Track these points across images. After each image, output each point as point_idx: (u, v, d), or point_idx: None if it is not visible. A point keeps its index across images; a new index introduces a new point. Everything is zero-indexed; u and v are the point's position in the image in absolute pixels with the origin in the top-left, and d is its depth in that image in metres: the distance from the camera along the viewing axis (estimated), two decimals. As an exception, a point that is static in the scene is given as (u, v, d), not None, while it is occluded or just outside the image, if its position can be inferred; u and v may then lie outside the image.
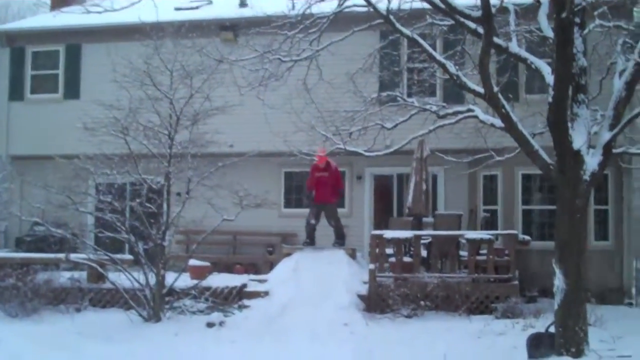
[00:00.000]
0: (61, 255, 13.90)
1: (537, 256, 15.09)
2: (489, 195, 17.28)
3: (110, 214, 13.38)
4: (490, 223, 16.49)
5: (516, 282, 13.73)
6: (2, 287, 13.49)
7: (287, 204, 18.78)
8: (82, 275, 14.36)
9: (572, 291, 9.29)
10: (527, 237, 15.65)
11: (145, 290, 12.96)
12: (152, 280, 12.97)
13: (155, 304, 12.84)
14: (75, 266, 14.41)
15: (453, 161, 15.59)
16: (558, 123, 9.39)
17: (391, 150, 13.00)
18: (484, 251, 14.09)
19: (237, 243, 18.30)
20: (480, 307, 13.27)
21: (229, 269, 16.33)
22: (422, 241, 14.60)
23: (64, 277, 14.19)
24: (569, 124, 9.45)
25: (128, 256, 14.58)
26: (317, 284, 13.71)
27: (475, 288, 13.38)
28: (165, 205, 13.49)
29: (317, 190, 15.78)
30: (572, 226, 9.45)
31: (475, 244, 14.00)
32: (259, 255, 17.82)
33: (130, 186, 14.65)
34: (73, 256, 13.94)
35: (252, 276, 15.36)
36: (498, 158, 14.46)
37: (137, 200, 13.38)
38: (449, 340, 11.12)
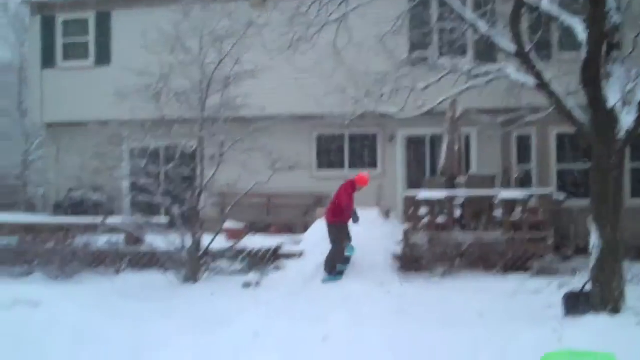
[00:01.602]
0: (98, 219, 14.12)
1: (572, 215, 15.02)
2: (522, 155, 17.19)
3: (145, 179, 13.52)
4: (524, 182, 16.41)
5: (551, 241, 13.69)
6: (42, 250, 13.76)
7: (320, 166, 18.88)
8: (119, 238, 14.60)
9: (608, 249, 9.29)
10: (562, 196, 15.58)
11: (182, 252, 13.14)
12: (188, 242, 13.15)
13: (192, 266, 13.03)
14: (113, 230, 14.64)
15: (486, 121, 15.50)
16: (591, 81, 9.31)
17: (423, 111, 12.94)
18: (519, 210, 14.05)
19: (271, 205, 18.43)
20: (515, 266, 13.27)
21: (263, 230, 16.50)
22: (456, 202, 14.59)
23: (102, 241, 14.42)
24: (603, 82, 9.36)
25: (164, 219, 14.77)
26: (352, 244, 13.79)
27: (510, 247, 13.38)
28: (199, 169, 13.62)
29: (348, 210, 13.34)
30: (607, 184, 9.41)
31: (509, 204, 13.95)
32: (293, 216, 17.94)
33: (163, 151, 14.77)
34: (110, 220, 14.16)
35: (287, 237, 15.49)
36: (531, 117, 14.35)
37: (171, 165, 13.51)
38: (484, 299, 11.16)
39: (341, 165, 18.87)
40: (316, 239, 14.43)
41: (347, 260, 13.34)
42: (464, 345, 8.64)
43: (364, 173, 13.84)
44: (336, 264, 13.06)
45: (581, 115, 9.77)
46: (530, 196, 14.67)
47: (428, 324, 9.78)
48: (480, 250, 13.25)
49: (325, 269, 13.08)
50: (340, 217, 13.25)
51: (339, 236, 13.15)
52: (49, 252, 13.67)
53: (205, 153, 13.87)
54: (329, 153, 19.15)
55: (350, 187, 13.39)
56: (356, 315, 10.45)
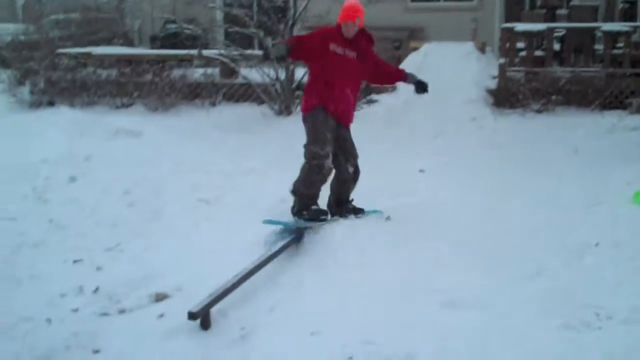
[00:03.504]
0: (194, 52, 14.27)
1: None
2: (629, -15, 16.30)
3: (238, 9, 13.45)
4: (629, 14, 15.67)
5: (654, 77, 13.21)
6: (141, 82, 14.11)
7: (414, -2, 18.41)
8: (214, 71, 14.77)
9: None
10: (669, 29, 14.85)
11: (276, 85, 13.26)
12: (282, 75, 13.23)
13: (286, 98, 13.18)
14: (208, 62, 14.80)
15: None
16: None
17: None
18: (621, 44, 13.51)
19: (363, 38, 18.22)
20: (614, 102, 12.88)
21: (356, 64, 16.38)
22: (555, 34, 14.10)
23: (197, 73, 14.64)
24: None
25: (257, 52, 14.78)
26: (445, 78, 13.61)
27: (609, 82, 12.94)
28: (291, 0, 13.46)
29: (336, 85, 6.82)
30: None
31: (611, 37, 13.38)
32: (386, 50, 17.71)
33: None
34: (205, 52, 14.29)
35: (379, 71, 15.35)
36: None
37: (263, -5, 13.38)
38: (580, 135, 11.01)
39: (436, -3, 18.31)
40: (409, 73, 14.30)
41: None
42: (555, 179, 8.64)
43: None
44: (308, 199, 6.81)
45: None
46: (635, 29, 14.02)
47: (521, 158, 9.78)
48: (578, 86, 12.87)
49: (293, 208, 6.94)
50: (313, 95, 6.94)
51: (310, 137, 6.83)
52: (147, 84, 14.02)
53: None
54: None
55: (336, 30, 6.96)
56: (450, 148, 10.52)
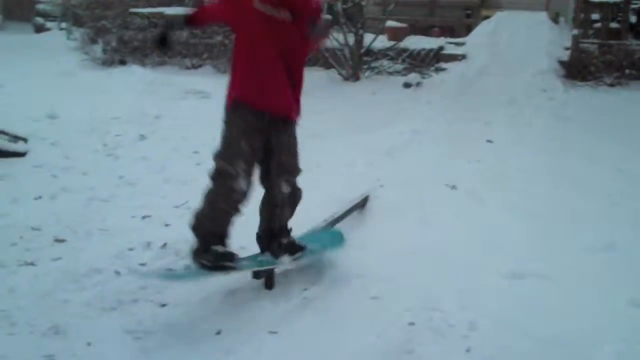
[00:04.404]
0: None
1: None
2: None
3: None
4: None
5: None
6: (211, 44, 14.21)
7: (488, -35, 18.06)
8: (283, 34, 14.79)
9: None
10: None
11: (345, 50, 13.21)
12: (351, 40, 13.17)
13: (354, 63, 13.13)
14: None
15: None
16: None
17: None
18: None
19: (434, 5, 18.01)
20: (691, 78, 12.54)
21: (425, 31, 16.22)
22: (632, 6, 13.70)
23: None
24: None
25: (327, 16, 14.72)
26: (516, 48, 13.44)
27: (687, 57, 12.59)
28: (363, -37, 13.35)
29: (263, 58, 4.68)
30: None
31: (692, 10, 12.99)
32: (457, 18, 17.50)
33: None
34: (275, 15, 14.29)
35: (449, 39, 15.19)
36: None
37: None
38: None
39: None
40: (480, 41, 14.12)
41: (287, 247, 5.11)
42: (627, 154, 8.47)
43: None
44: (211, 237, 4.74)
45: None
46: None
47: (592, 131, 9.60)
48: (654, 60, 12.55)
49: (192, 255, 4.79)
50: (235, 81, 4.85)
51: (221, 146, 4.86)
52: (217, 46, 14.11)
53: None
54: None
55: None
56: (519, 119, 10.37)
